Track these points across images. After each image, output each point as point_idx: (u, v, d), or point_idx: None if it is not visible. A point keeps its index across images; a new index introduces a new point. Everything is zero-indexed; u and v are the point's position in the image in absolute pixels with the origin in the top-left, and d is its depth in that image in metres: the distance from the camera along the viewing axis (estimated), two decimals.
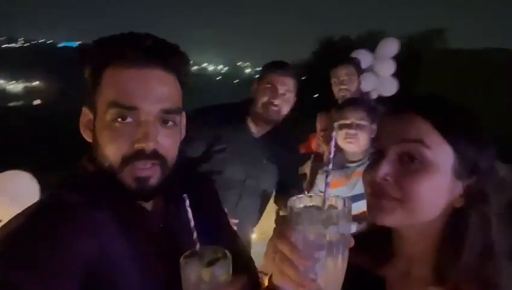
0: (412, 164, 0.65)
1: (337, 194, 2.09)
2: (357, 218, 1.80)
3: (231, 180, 1.82)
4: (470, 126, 0.68)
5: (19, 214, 0.69)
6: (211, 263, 0.67)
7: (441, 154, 0.65)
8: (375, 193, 0.68)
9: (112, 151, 0.71)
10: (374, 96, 4.22)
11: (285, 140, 1.94)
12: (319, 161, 2.75)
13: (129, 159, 0.70)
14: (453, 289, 0.64)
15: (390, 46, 3.92)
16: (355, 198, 1.86)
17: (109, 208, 0.73)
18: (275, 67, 1.81)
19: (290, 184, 2.00)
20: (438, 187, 0.65)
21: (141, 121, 0.70)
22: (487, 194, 0.65)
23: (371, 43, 4.20)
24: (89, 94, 0.75)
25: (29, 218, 0.68)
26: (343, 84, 2.46)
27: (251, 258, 1.05)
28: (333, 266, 0.58)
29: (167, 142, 0.74)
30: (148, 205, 0.80)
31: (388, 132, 0.69)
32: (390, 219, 0.67)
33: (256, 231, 2.11)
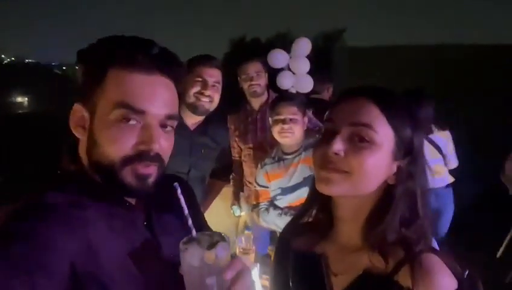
0: (360, 143, 0.74)
1: (278, 184, 2.23)
2: (292, 209, 1.96)
3: (177, 173, 1.83)
4: (409, 113, 0.79)
5: (1, 214, 0.66)
6: (211, 247, 0.69)
7: (385, 137, 0.75)
8: (325, 166, 0.76)
9: (113, 151, 0.71)
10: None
11: (216, 129, 2.07)
12: (237, 164, 2.81)
13: (131, 160, 0.72)
14: (380, 252, 0.75)
15: (304, 46, 4.18)
16: (294, 187, 2.02)
17: (97, 206, 0.72)
18: (203, 60, 1.89)
19: (221, 169, 2.31)
20: (379, 164, 0.75)
21: (145, 124, 0.72)
22: (414, 172, 0.78)
23: (280, 43, 4.46)
24: (86, 91, 0.73)
25: (10, 218, 0.65)
26: (253, 80, 2.59)
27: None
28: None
29: (166, 145, 0.76)
30: (132, 202, 0.80)
31: (342, 114, 0.78)
32: (337, 189, 0.76)
33: None
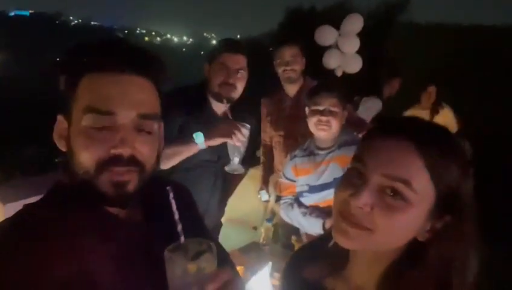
0: (392, 199, 0.62)
1: (305, 181, 2.07)
2: (324, 211, 1.84)
3: (206, 162, 1.82)
4: (461, 169, 0.63)
5: None
6: (196, 256, 0.67)
7: (424, 196, 0.61)
8: (346, 218, 0.65)
9: (86, 158, 0.69)
10: (339, 73, 4.25)
11: (241, 113, 1.92)
12: (267, 149, 2.70)
13: (105, 165, 0.69)
14: None
15: (355, 23, 3.91)
16: (322, 187, 1.89)
17: (84, 220, 0.71)
18: (226, 46, 1.79)
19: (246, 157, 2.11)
20: (410, 225, 0.63)
21: (118, 126, 0.70)
22: (455, 234, 0.64)
23: (335, 15, 4.18)
24: (65, 102, 0.73)
25: None
26: (288, 65, 2.38)
27: (228, 253, 1.06)
28: None
29: (145, 149, 0.73)
30: (124, 215, 0.77)
31: (375, 158, 0.64)
32: (355, 245, 0.66)
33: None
